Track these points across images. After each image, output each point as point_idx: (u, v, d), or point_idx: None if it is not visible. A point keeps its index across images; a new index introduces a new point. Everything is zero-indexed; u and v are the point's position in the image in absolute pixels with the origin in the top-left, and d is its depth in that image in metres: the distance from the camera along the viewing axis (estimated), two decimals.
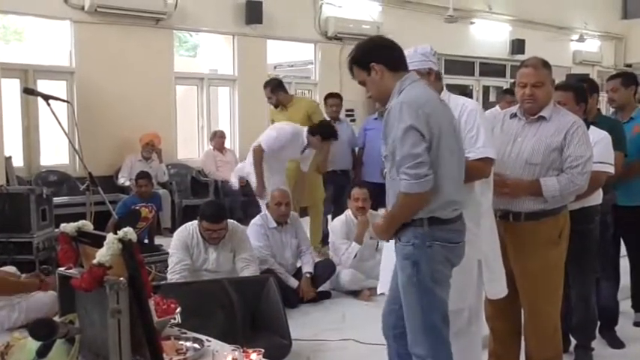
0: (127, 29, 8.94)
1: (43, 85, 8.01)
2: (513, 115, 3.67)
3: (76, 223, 2.21)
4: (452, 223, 2.92)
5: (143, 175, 7.36)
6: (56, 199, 6.85)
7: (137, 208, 6.93)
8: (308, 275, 5.49)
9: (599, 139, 4.04)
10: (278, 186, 5.97)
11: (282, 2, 10.42)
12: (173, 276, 4.71)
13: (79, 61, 8.67)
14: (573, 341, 4.46)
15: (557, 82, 4.49)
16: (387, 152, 2.88)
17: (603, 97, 6.96)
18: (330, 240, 6.03)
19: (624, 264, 5.03)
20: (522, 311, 3.76)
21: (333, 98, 7.90)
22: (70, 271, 2.11)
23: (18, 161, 8.09)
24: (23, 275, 3.89)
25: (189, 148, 10.17)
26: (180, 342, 2.68)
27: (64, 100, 4.72)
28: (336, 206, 7.35)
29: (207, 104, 10.22)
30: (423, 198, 2.76)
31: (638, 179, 4.78)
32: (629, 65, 16.84)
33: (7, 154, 7.32)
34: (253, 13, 10.00)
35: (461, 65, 13.75)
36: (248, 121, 10.10)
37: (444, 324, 2.91)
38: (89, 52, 8.67)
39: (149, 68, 9.16)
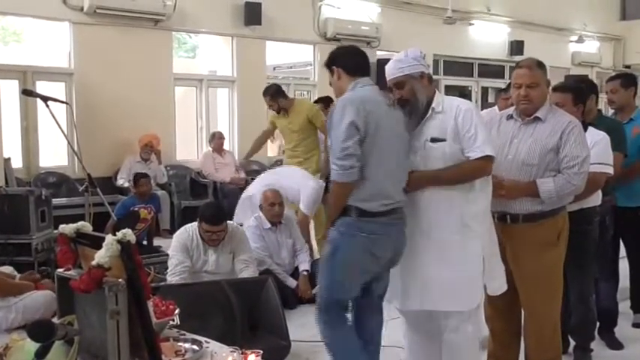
0: (126, 30, 8.94)
1: (42, 87, 8.01)
2: (509, 117, 3.66)
3: (74, 225, 2.20)
4: (380, 216, 3.16)
5: (142, 175, 7.37)
6: (55, 201, 6.85)
7: (136, 209, 6.93)
8: (305, 273, 5.51)
9: (598, 140, 4.03)
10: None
11: (281, 4, 10.42)
12: (173, 278, 4.71)
13: (78, 63, 8.67)
14: (572, 342, 4.46)
15: (555, 83, 4.51)
16: (330, 144, 3.31)
17: (602, 98, 6.95)
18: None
19: (623, 265, 5.03)
20: (522, 312, 3.76)
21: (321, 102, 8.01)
22: (69, 272, 2.11)
23: (17, 163, 8.09)
24: (19, 275, 3.88)
25: (188, 150, 10.17)
26: (179, 343, 2.68)
27: (62, 102, 4.72)
28: None
29: (206, 105, 10.23)
30: (348, 187, 3.09)
31: (637, 180, 4.78)
32: (628, 66, 16.85)
33: (6, 156, 7.33)
34: (252, 15, 10.00)
35: (460, 66, 13.77)
36: (247, 122, 10.10)
37: (342, 309, 3.27)
38: (88, 54, 8.67)
39: (148, 69, 9.16)
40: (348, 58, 3.41)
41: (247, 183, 9.25)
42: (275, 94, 7.08)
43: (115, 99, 8.79)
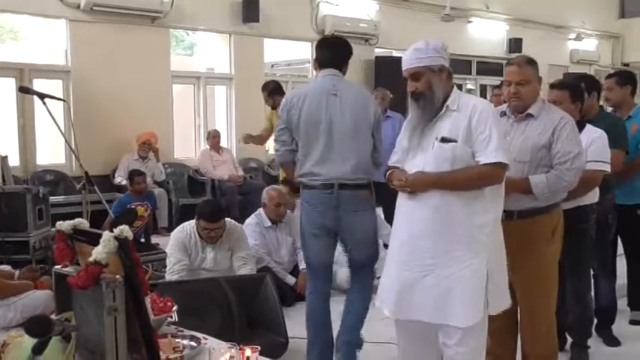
0: (124, 28, 8.93)
1: (39, 84, 8.00)
2: (503, 114, 3.64)
3: (72, 221, 2.20)
4: (313, 189, 3.79)
5: (138, 173, 7.37)
6: (53, 199, 6.85)
7: (133, 206, 6.93)
8: (305, 271, 5.50)
9: (595, 137, 4.03)
10: None
11: (279, 1, 10.42)
12: (172, 276, 4.71)
13: (75, 60, 8.65)
14: (569, 339, 4.47)
15: (553, 81, 4.51)
16: None
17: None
18: None
19: (620, 263, 5.04)
20: (518, 309, 3.75)
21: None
22: (67, 269, 2.10)
23: (14, 160, 8.08)
24: (17, 271, 3.87)
25: (186, 147, 10.17)
26: (177, 340, 2.68)
27: (59, 99, 4.72)
28: None
29: (203, 103, 10.22)
30: (284, 166, 3.89)
31: (636, 178, 4.79)
32: (627, 64, 16.86)
33: (3, 154, 7.31)
34: (250, 12, 9.99)
35: (458, 64, 13.74)
36: (245, 119, 10.09)
37: (314, 278, 3.97)
38: (85, 51, 8.65)
39: (145, 67, 9.15)
40: (318, 51, 3.92)
41: (245, 180, 9.28)
42: (273, 90, 7.08)
43: (112, 96, 8.78)
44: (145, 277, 2.02)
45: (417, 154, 3.08)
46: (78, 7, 8.52)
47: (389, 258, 3.19)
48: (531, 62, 3.59)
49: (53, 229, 2.26)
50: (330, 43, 4.10)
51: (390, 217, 3.77)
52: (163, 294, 3.09)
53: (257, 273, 4.90)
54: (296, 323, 4.47)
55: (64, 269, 2.11)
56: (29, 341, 1.95)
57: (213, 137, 9.49)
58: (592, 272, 4.71)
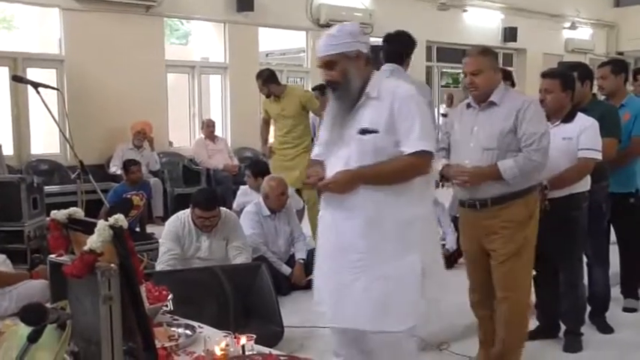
0: (117, 17, 8.90)
1: (33, 74, 7.96)
2: (469, 105, 3.73)
3: (66, 210, 2.20)
4: None
5: (133, 162, 7.37)
6: (47, 188, 6.82)
7: (128, 196, 6.92)
8: (301, 261, 5.51)
9: (587, 125, 4.08)
10: None
11: None
12: (160, 266, 4.71)
13: (69, 49, 8.62)
14: (563, 327, 4.49)
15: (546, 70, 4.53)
16: None
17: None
18: None
19: (613, 251, 5.06)
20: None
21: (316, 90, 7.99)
22: (61, 258, 2.10)
23: (8, 150, 8.04)
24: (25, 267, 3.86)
25: (181, 137, 10.16)
26: (173, 328, 2.68)
27: (53, 88, 4.70)
28: None
29: (198, 92, 10.20)
30: None
31: (628, 166, 4.81)
32: (621, 53, 16.86)
33: None
34: (245, 1, 9.97)
35: (453, 53, 13.75)
36: (240, 108, 10.08)
37: None
38: (79, 40, 8.62)
39: (140, 56, 9.11)
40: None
41: (240, 170, 9.27)
42: (267, 79, 7.05)
43: (106, 86, 8.76)
44: (140, 267, 2.02)
45: (340, 147, 2.88)
46: None
47: (319, 257, 3.04)
48: (485, 53, 3.68)
49: (48, 219, 2.25)
50: (386, 39, 4.44)
51: None
52: (159, 283, 3.09)
53: (252, 262, 4.91)
54: (291, 312, 4.49)
55: (59, 258, 2.11)
56: (24, 329, 1.95)
57: (208, 126, 9.47)
58: (586, 260, 4.74)
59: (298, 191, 6.56)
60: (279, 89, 7.03)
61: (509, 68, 14.55)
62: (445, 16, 12.78)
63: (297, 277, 5.41)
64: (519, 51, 14.94)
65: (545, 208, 4.03)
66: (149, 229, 7.39)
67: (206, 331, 2.68)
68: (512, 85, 5.29)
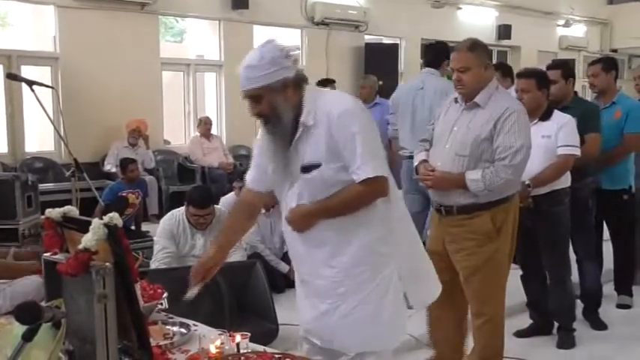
0: (112, 14, 8.88)
1: (27, 71, 7.95)
2: (456, 100, 3.54)
3: (61, 209, 2.20)
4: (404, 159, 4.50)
5: (130, 161, 7.37)
6: (42, 186, 6.76)
7: (124, 194, 6.92)
8: None
9: (564, 122, 4.10)
10: None
11: None
12: (156, 264, 4.71)
13: (64, 47, 8.60)
14: (556, 324, 4.51)
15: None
16: None
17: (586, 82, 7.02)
18: None
19: (607, 248, 5.08)
20: (467, 307, 3.71)
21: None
22: (56, 256, 2.11)
23: (2, 148, 8.06)
24: (11, 249, 3.84)
25: (176, 134, 10.15)
26: (167, 326, 2.68)
27: (48, 86, 4.69)
28: None
29: (193, 90, 10.19)
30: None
31: (620, 163, 4.84)
32: (615, 50, 16.92)
33: None
34: None
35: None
36: (235, 106, 10.06)
37: None
38: (74, 38, 8.60)
39: (135, 54, 9.10)
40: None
41: (236, 168, 9.27)
42: None
43: (101, 84, 8.74)
44: (134, 265, 2.02)
45: (290, 184, 2.58)
46: None
47: (298, 289, 2.81)
48: (474, 47, 3.42)
49: (42, 217, 2.25)
50: (427, 48, 5.35)
51: None
52: (153, 281, 3.09)
53: (247, 260, 4.92)
54: (286, 310, 4.49)
55: (53, 256, 2.11)
56: (19, 328, 1.95)
57: (204, 124, 9.47)
58: (576, 257, 4.76)
59: None
60: None
61: None
62: (439, 13, 12.78)
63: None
64: (514, 48, 14.96)
65: (529, 205, 4.06)
66: (144, 226, 7.39)
67: (201, 329, 2.68)
68: (512, 82, 5.31)
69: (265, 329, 4.06)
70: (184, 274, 4.19)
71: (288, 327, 4.26)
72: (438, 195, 3.52)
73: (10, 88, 8.13)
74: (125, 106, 8.92)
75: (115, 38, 8.87)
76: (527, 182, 4.06)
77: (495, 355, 3.67)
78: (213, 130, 9.77)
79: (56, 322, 2.00)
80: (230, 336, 2.40)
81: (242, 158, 10.08)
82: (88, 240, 1.85)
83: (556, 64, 4.85)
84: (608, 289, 5.12)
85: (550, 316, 4.52)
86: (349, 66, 11.46)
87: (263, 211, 5.57)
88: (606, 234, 5.10)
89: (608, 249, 5.12)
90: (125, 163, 7.33)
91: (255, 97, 2.46)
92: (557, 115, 4.16)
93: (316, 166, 2.47)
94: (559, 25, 15.77)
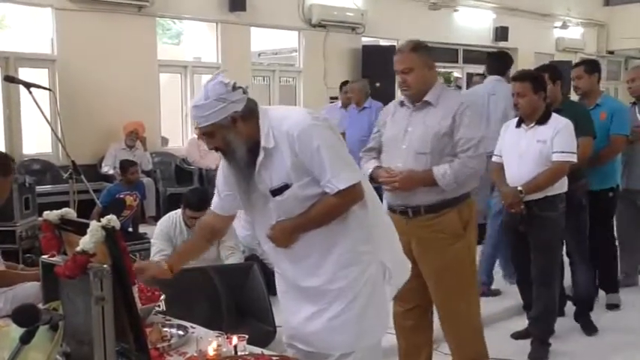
0: (109, 16, 8.88)
1: (25, 73, 7.95)
2: (402, 104, 3.48)
3: (59, 211, 2.20)
4: None
5: (131, 163, 7.38)
6: (39, 188, 6.82)
7: (122, 196, 6.92)
8: None
9: (561, 127, 4.02)
10: None
11: None
12: None
13: (61, 49, 8.60)
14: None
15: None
16: None
17: None
18: None
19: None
20: (433, 312, 3.64)
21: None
22: (54, 258, 2.11)
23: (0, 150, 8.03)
24: (20, 266, 3.85)
25: (174, 136, 10.15)
26: (165, 329, 2.69)
27: (45, 88, 4.70)
28: None
29: (191, 92, 10.18)
30: None
31: (607, 164, 4.85)
32: (612, 52, 16.97)
33: None
34: (237, 0, 9.97)
35: (444, 52, 13.78)
36: None
37: None
38: (71, 40, 8.60)
39: (132, 56, 9.10)
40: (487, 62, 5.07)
41: None
42: None
43: (99, 86, 8.74)
44: (132, 267, 2.03)
45: (262, 208, 2.60)
46: None
47: (282, 295, 2.84)
48: (416, 48, 3.36)
49: (40, 219, 2.26)
50: (493, 56, 5.71)
51: None
52: (151, 283, 3.09)
53: (245, 262, 4.92)
54: (284, 312, 4.49)
55: (51, 259, 2.12)
56: (16, 331, 1.95)
57: None
58: (569, 260, 4.75)
59: None
60: None
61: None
62: (436, 15, 12.80)
63: None
64: (511, 50, 14.90)
65: (522, 212, 4.03)
66: (141, 228, 7.39)
67: (198, 331, 2.69)
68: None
69: (263, 331, 4.06)
70: (181, 276, 4.22)
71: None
72: (401, 197, 3.41)
73: (7, 90, 8.13)
74: (123, 108, 8.92)
75: (113, 40, 8.87)
76: (519, 188, 4.02)
77: (480, 357, 3.57)
78: None
79: (54, 325, 2.01)
80: (227, 338, 2.40)
81: None
82: (85, 242, 1.85)
83: (542, 68, 4.83)
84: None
85: (529, 324, 4.41)
86: (346, 68, 11.47)
87: None
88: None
89: None
90: (126, 165, 7.33)
91: (208, 133, 2.50)
92: (555, 119, 4.07)
93: (286, 187, 2.48)
94: (556, 27, 15.79)
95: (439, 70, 14.05)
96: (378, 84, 11.09)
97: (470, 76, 14.60)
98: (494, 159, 4.36)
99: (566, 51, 15.85)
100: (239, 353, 2.35)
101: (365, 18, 11.56)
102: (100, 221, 1.90)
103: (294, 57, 11.82)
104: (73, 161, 4.40)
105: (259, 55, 12.39)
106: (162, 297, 2.93)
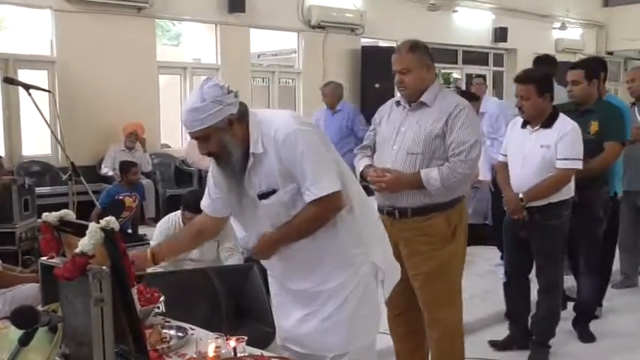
0: (109, 18, 8.88)
1: (24, 75, 7.95)
2: (398, 103, 3.44)
3: (58, 213, 2.20)
4: None
5: (132, 164, 7.38)
6: (39, 190, 6.83)
7: (121, 197, 6.91)
8: None
9: (566, 132, 3.88)
10: None
11: None
12: (151, 268, 4.69)
13: (61, 51, 8.61)
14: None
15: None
16: None
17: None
18: None
19: None
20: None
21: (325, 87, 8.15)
22: (53, 260, 2.11)
23: None
24: (18, 269, 3.85)
25: (173, 138, 10.14)
26: (164, 330, 2.69)
27: (45, 90, 4.70)
28: None
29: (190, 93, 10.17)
30: None
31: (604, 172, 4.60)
32: (611, 53, 16.97)
33: None
34: (236, 2, 9.97)
35: (444, 53, 13.79)
36: None
37: None
38: (70, 42, 8.61)
39: (131, 57, 9.11)
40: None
41: None
42: None
43: (98, 87, 8.75)
44: (131, 268, 2.03)
45: (251, 213, 2.59)
46: None
47: (275, 298, 2.87)
48: (414, 48, 3.32)
49: (39, 220, 2.25)
50: (539, 60, 5.42)
51: None
52: (150, 284, 3.09)
53: (244, 263, 4.91)
54: None
55: (50, 260, 2.11)
56: (15, 332, 1.95)
57: None
58: (578, 268, 4.65)
59: None
60: None
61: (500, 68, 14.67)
62: (435, 16, 12.81)
63: None
64: (510, 51, 15.00)
65: (524, 219, 3.95)
66: (141, 230, 7.39)
67: (198, 333, 2.69)
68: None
69: (262, 332, 4.06)
70: (181, 277, 4.22)
71: None
72: (389, 198, 3.37)
73: (7, 91, 8.13)
74: (122, 109, 8.92)
75: (112, 42, 8.88)
76: (520, 196, 3.94)
77: None
78: None
79: (53, 326, 2.01)
80: (227, 339, 2.40)
81: None
82: (84, 244, 1.85)
83: (579, 64, 4.56)
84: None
85: (530, 328, 4.33)
86: (346, 69, 11.48)
87: None
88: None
89: None
90: (126, 166, 7.35)
91: (203, 137, 2.45)
92: (561, 122, 3.91)
93: (272, 192, 2.48)
94: (555, 28, 15.81)
95: (439, 71, 14.08)
96: (377, 85, 11.11)
97: (469, 77, 14.63)
98: (500, 158, 4.29)
99: (566, 52, 15.85)
100: (238, 355, 2.35)
101: (364, 19, 11.57)
102: (99, 223, 1.90)
103: (293, 58, 11.83)
104: (72, 163, 4.39)
105: (258, 56, 12.39)
106: (162, 298, 2.92)
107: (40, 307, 2.06)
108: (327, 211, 2.50)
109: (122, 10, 9.00)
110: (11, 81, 4.77)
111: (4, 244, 5.55)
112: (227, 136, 2.44)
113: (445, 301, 3.41)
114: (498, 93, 14.55)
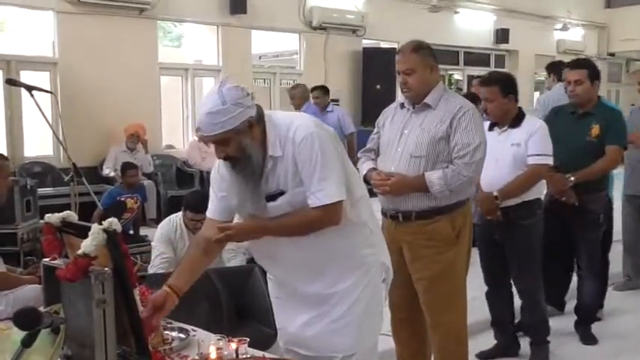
0: (111, 19, 8.90)
1: (26, 76, 7.96)
2: (402, 106, 3.40)
3: (60, 214, 2.20)
4: None
5: (132, 166, 7.38)
6: (40, 190, 6.84)
7: (122, 199, 6.92)
8: None
9: (535, 129, 3.86)
10: None
11: None
12: (153, 270, 4.70)
13: (63, 52, 8.62)
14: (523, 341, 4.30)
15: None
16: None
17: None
18: None
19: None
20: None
21: (316, 90, 8.17)
22: (55, 261, 2.11)
23: (1, 152, 8.03)
24: (19, 270, 3.86)
25: (175, 139, 10.16)
26: (166, 332, 2.69)
27: (47, 91, 4.70)
28: None
29: (192, 95, 10.20)
30: None
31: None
32: (612, 54, 16.98)
33: None
34: (237, 3, 9.98)
35: (445, 55, 13.79)
36: None
37: None
38: (72, 43, 8.62)
39: (133, 59, 9.12)
40: None
41: None
42: None
43: (100, 88, 8.76)
44: (133, 269, 2.03)
45: (261, 211, 2.50)
46: None
47: (278, 301, 2.82)
48: (418, 49, 3.28)
49: (41, 221, 2.26)
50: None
51: None
52: (152, 286, 3.10)
53: (246, 265, 4.91)
54: None
55: (52, 262, 2.12)
56: (17, 334, 1.95)
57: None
58: (578, 271, 4.64)
59: None
60: None
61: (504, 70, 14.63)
62: (437, 17, 12.81)
63: None
64: (511, 52, 15.00)
65: (498, 218, 3.88)
66: (142, 231, 7.39)
67: (199, 334, 2.69)
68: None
69: (264, 334, 4.05)
70: None
71: None
72: (392, 201, 3.32)
73: (9, 93, 8.14)
74: (124, 110, 8.93)
75: (114, 43, 8.89)
76: (494, 194, 3.86)
77: None
78: None
79: (55, 328, 2.01)
80: (228, 341, 2.40)
81: None
82: (87, 245, 1.86)
83: (581, 63, 4.45)
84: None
85: (523, 332, 4.28)
86: (347, 70, 11.49)
87: None
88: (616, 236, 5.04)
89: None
90: (127, 168, 7.35)
91: (221, 141, 2.36)
92: (528, 121, 3.90)
93: (280, 193, 2.43)
94: (556, 29, 15.81)
95: (445, 72, 14.08)
96: (378, 86, 11.12)
97: (471, 78, 14.62)
98: None
99: (567, 53, 15.83)
100: (240, 356, 2.35)
101: (365, 20, 11.58)
102: (101, 224, 1.90)
103: (294, 59, 11.84)
104: (74, 164, 4.40)
105: (260, 57, 12.40)
106: None
107: (42, 309, 2.07)
108: (322, 220, 2.42)
109: (124, 12, 9.02)
110: (14, 82, 4.79)
111: (6, 245, 5.57)
112: (247, 140, 2.35)
113: (449, 304, 3.38)
114: None
